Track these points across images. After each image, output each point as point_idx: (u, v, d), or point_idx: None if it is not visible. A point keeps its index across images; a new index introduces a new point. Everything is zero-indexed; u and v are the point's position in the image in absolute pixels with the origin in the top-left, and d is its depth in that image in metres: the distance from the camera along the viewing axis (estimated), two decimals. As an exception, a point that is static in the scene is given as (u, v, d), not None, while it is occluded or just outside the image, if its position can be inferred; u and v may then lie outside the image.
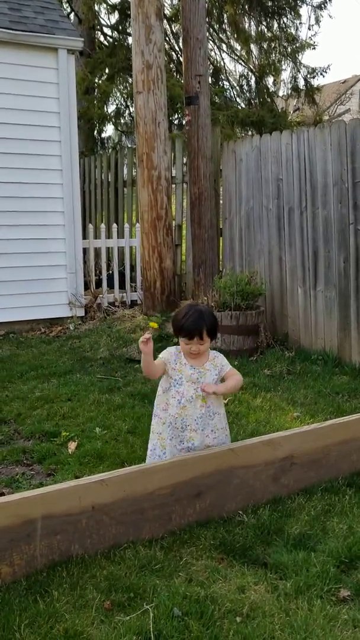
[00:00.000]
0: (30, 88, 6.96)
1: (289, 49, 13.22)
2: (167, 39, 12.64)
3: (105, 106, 13.23)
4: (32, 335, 6.84)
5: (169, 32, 13.05)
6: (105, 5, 13.40)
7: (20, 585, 2.33)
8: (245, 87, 13.84)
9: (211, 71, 12.88)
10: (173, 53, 13.25)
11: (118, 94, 13.66)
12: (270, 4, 12.90)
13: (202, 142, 6.78)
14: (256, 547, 2.59)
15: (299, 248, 5.95)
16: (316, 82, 13.33)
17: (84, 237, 7.74)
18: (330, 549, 2.55)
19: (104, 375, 5.25)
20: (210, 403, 2.94)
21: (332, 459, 3.21)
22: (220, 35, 13.60)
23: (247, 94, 13.79)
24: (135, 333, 6.38)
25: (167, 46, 12.43)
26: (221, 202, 7.14)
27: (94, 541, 2.53)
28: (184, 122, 9.20)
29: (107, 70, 13.01)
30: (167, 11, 12.80)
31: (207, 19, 7.39)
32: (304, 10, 35.59)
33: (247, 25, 13.35)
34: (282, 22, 13.21)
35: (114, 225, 8.02)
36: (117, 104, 13.95)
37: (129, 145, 12.48)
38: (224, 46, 13.80)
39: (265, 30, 13.30)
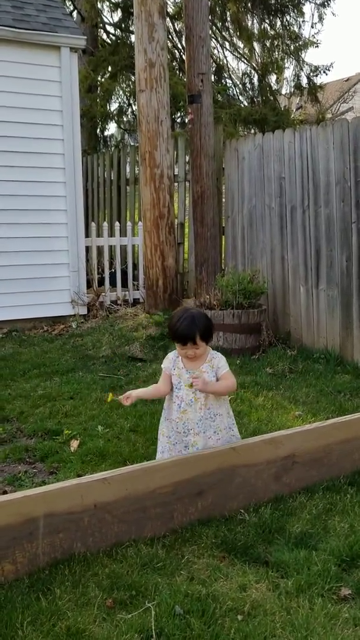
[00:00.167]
0: (33, 86, 6.97)
1: (292, 47, 13.19)
2: (169, 37, 12.62)
3: (107, 104, 13.24)
4: (34, 333, 6.86)
5: (171, 30, 13.04)
6: (107, 3, 13.41)
7: (23, 583, 2.34)
8: (248, 85, 13.82)
9: (214, 69, 12.87)
10: (176, 51, 13.24)
11: (121, 92, 13.66)
12: (273, 1, 12.88)
13: (204, 140, 6.77)
14: (258, 546, 2.60)
15: (302, 247, 5.95)
16: (319, 80, 13.33)
17: (87, 235, 7.75)
18: (331, 547, 2.55)
19: (106, 373, 5.26)
20: (210, 405, 2.94)
21: (333, 458, 3.21)
22: (223, 33, 13.59)
23: (250, 92, 13.78)
24: (137, 331, 6.39)
25: (169, 44, 12.42)
26: (223, 200, 7.14)
27: (96, 539, 2.54)
28: (186, 121, 9.20)
29: (109, 69, 13.00)
30: (170, 9, 12.79)
31: (209, 17, 7.38)
32: (307, 8, 35.48)
33: (249, 23, 13.33)
34: (285, 19, 13.19)
35: (117, 223, 8.02)
36: (119, 102, 13.96)
37: (132, 144, 12.49)
38: (226, 44, 13.78)
39: (268, 28, 13.28)
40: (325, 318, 5.75)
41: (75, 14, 12.60)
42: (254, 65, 13.55)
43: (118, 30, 13.72)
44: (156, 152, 6.80)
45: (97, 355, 5.84)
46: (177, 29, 13.32)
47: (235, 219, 6.83)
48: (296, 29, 13.16)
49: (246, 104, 13.46)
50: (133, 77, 12.42)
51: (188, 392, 2.91)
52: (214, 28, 13.04)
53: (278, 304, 6.29)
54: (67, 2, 12.63)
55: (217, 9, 12.88)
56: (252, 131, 12.18)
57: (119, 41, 13.32)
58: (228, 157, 6.93)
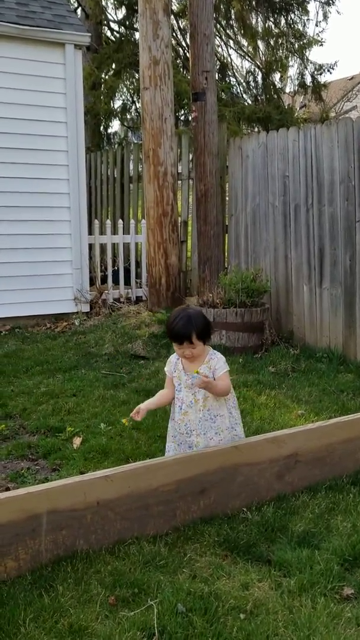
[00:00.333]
0: (37, 83, 6.96)
1: (296, 45, 13.16)
2: (174, 34, 12.60)
3: (111, 102, 13.22)
4: (37, 330, 6.86)
5: (176, 27, 13.02)
6: (112, 1, 13.39)
7: (26, 580, 2.35)
8: (252, 83, 13.80)
9: (218, 67, 12.85)
10: (180, 49, 13.22)
11: (124, 90, 13.64)
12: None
13: (208, 138, 6.76)
14: (260, 544, 2.60)
15: (305, 245, 5.94)
16: (323, 78, 13.29)
17: (90, 233, 7.75)
18: (334, 547, 2.55)
19: (109, 371, 5.27)
20: (210, 406, 2.93)
21: (336, 457, 3.21)
22: (227, 31, 13.56)
23: (254, 90, 13.75)
24: (140, 329, 6.39)
25: (174, 42, 12.39)
26: (227, 198, 7.13)
27: (98, 537, 2.54)
28: (190, 118, 9.19)
29: (113, 66, 12.99)
30: (175, 7, 12.77)
31: (214, 15, 7.36)
32: (311, 7, 35.41)
33: (254, 21, 13.30)
34: (289, 18, 13.16)
35: (120, 221, 8.02)
36: (123, 100, 13.94)
37: (135, 141, 12.48)
38: (230, 42, 13.76)
39: (273, 26, 13.25)
40: (329, 317, 5.74)
41: (79, 11, 12.58)
42: (258, 63, 13.52)
43: (122, 27, 13.71)
44: (160, 150, 6.79)
45: (99, 353, 5.85)
46: (182, 26, 13.31)
47: (238, 217, 6.82)
48: (300, 27, 13.14)
49: (250, 102, 13.44)
50: (137, 75, 12.41)
51: (188, 394, 2.92)
52: (218, 26, 13.02)
53: (281, 303, 6.28)
54: (71, -1, 12.61)
55: (222, 7, 12.86)
56: (256, 129, 12.16)
57: (123, 38, 13.30)
58: (232, 155, 6.92)
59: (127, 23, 13.44)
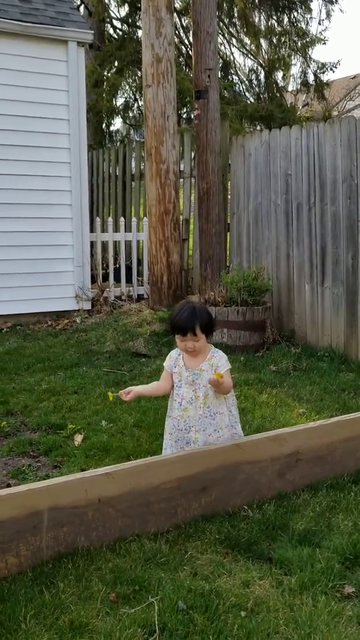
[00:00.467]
0: (40, 80, 6.96)
1: (299, 44, 13.13)
2: (176, 32, 12.58)
3: (114, 99, 13.19)
4: (39, 327, 6.86)
5: (178, 25, 13.00)
6: (115, -2, 13.36)
7: (26, 576, 2.35)
8: (255, 81, 13.77)
9: (220, 65, 12.82)
10: (182, 47, 13.20)
11: (127, 87, 13.63)
12: (280, -2, 12.83)
13: (211, 136, 6.75)
14: (261, 542, 2.60)
15: (307, 244, 5.93)
16: (326, 77, 13.26)
17: (92, 230, 7.74)
18: (335, 545, 2.55)
19: (110, 368, 5.27)
20: (210, 403, 2.93)
21: (337, 456, 3.21)
22: (230, 29, 13.54)
23: (256, 89, 13.73)
24: (141, 327, 6.39)
25: (176, 40, 12.37)
26: (229, 197, 7.13)
27: (99, 533, 2.54)
28: (192, 116, 9.17)
29: (116, 63, 12.97)
30: (177, 4, 12.74)
31: (217, 13, 7.35)
32: (314, 5, 35.27)
33: (257, 19, 13.28)
34: (292, 16, 13.13)
35: (122, 219, 8.01)
36: (125, 97, 13.92)
37: (137, 139, 12.46)
38: (233, 40, 13.74)
39: (276, 24, 13.22)
40: (330, 316, 5.74)
41: (82, 8, 12.57)
42: (261, 61, 13.50)
43: (125, 25, 13.69)
44: (162, 148, 6.79)
45: (101, 351, 5.85)
46: (184, 24, 13.29)
47: (240, 215, 6.82)
48: (303, 26, 13.10)
49: (252, 100, 13.42)
50: (139, 72, 12.38)
51: (188, 390, 2.92)
52: (221, 24, 12.99)
53: (283, 302, 6.28)
54: (74, -4, 12.59)
55: (225, 5, 12.83)
56: (258, 128, 12.14)
57: (125, 36, 13.28)
58: (234, 154, 6.91)
59: (130, 20, 13.42)
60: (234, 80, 13.69)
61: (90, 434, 3.80)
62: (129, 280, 7.90)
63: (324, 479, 3.13)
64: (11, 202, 6.92)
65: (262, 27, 13.21)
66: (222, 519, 2.77)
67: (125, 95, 13.89)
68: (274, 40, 13.25)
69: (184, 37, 13.27)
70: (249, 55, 13.73)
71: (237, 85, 13.70)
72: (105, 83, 12.89)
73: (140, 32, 11.79)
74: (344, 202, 5.51)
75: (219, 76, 10.59)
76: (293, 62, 13.50)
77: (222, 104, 8.49)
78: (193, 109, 7.25)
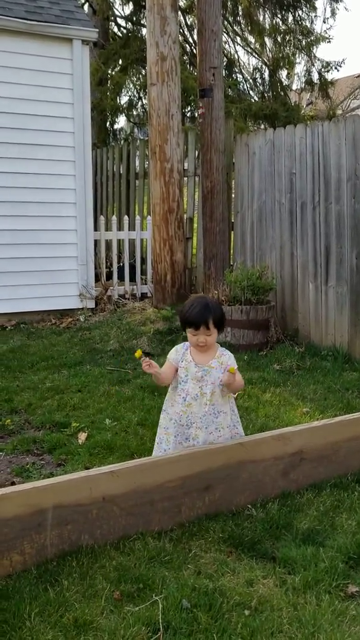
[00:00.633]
0: (45, 78, 6.96)
1: (304, 42, 13.11)
2: (180, 31, 12.55)
3: (118, 98, 13.20)
4: (42, 326, 6.87)
5: (182, 23, 12.98)
6: (119, -4, 13.35)
7: (31, 574, 2.35)
8: (259, 80, 13.75)
9: (225, 64, 12.80)
10: (187, 45, 13.18)
11: (131, 86, 13.62)
12: (285, -4, 12.81)
13: (215, 134, 6.75)
14: (265, 541, 2.60)
15: (311, 243, 5.93)
16: (330, 76, 13.23)
17: (95, 229, 7.75)
18: (338, 544, 2.55)
19: (114, 367, 5.27)
20: (215, 401, 2.93)
21: (341, 455, 3.21)
22: (235, 27, 13.52)
23: (261, 87, 13.71)
24: (145, 326, 6.39)
25: (180, 38, 12.35)
26: (233, 195, 7.12)
27: (103, 532, 2.55)
28: (196, 115, 9.16)
29: (120, 62, 12.96)
30: (182, 2, 12.73)
31: (221, 11, 7.34)
32: (319, 3, 35.10)
33: (261, 18, 13.25)
34: (297, 14, 13.10)
35: (125, 217, 8.02)
36: (129, 96, 13.93)
37: (141, 137, 12.46)
38: (238, 39, 13.71)
39: (280, 22, 13.20)
40: (334, 315, 5.73)
41: (86, 6, 12.56)
42: (265, 60, 13.47)
43: (129, 23, 13.68)
44: (166, 146, 6.78)
45: (104, 349, 5.85)
46: (189, 22, 13.27)
47: (244, 214, 6.81)
48: (308, 24, 13.08)
49: (257, 99, 13.40)
50: (143, 71, 12.38)
51: (194, 386, 2.90)
52: (226, 22, 12.97)
53: (286, 301, 6.27)
54: (78, -6, 12.57)
55: (229, 3, 12.81)
56: (262, 126, 12.13)
57: (130, 34, 13.27)
58: (238, 152, 6.91)
59: (134, 19, 13.41)
60: (238, 79, 13.67)
61: (94, 432, 3.80)
62: (132, 278, 7.90)
63: (328, 478, 3.13)
64: (16, 200, 6.93)
65: (267, 26, 13.19)
66: (225, 517, 2.77)
67: (130, 93, 13.90)
68: (279, 39, 13.23)
69: (188, 36, 13.26)
70: (254, 54, 13.71)
71: (242, 84, 13.68)
72: (109, 81, 12.89)
73: (144, 31, 11.77)
74: (349, 201, 5.50)
75: (223, 75, 10.58)
76: (297, 60, 13.48)
77: (226, 103, 8.47)
78: (197, 108, 7.24)
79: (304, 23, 13.06)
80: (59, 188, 7.13)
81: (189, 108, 12.33)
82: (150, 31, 6.74)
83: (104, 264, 7.80)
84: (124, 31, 13.75)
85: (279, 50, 13.24)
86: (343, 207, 5.56)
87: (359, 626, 2.12)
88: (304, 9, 13.03)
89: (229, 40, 13.53)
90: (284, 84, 13.66)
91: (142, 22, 13.02)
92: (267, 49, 13.44)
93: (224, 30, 12.79)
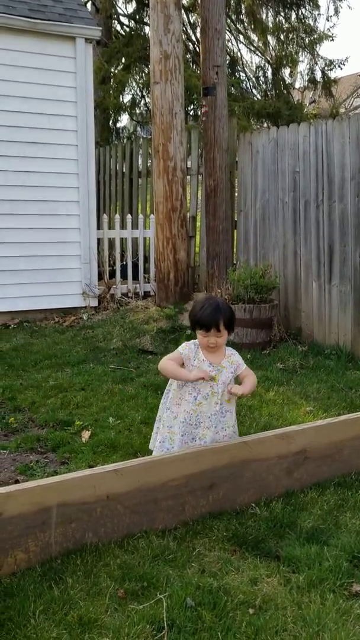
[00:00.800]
0: (48, 77, 6.96)
1: (307, 41, 13.09)
2: (183, 29, 12.54)
3: (121, 96, 13.19)
4: (45, 324, 6.88)
5: (185, 22, 12.97)
6: (122, -5, 13.35)
7: (35, 572, 2.36)
8: (262, 78, 13.74)
9: (228, 62, 12.77)
10: (189, 43, 13.17)
11: (134, 84, 13.61)
12: (288, -6, 12.79)
13: (218, 133, 6.74)
14: (269, 540, 2.60)
15: (315, 242, 5.92)
16: (333, 74, 13.21)
17: (98, 227, 7.75)
18: (343, 543, 2.55)
19: (117, 365, 5.27)
20: (224, 401, 2.95)
21: (345, 455, 3.21)
22: (238, 25, 13.50)
23: (264, 86, 13.69)
24: (148, 324, 6.39)
25: (183, 36, 12.34)
26: (236, 194, 7.12)
27: (107, 530, 2.55)
28: (200, 113, 9.15)
29: (123, 60, 12.96)
30: (185, 1, 12.71)
31: (225, 9, 7.32)
32: (322, 1, 35.06)
33: (264, 16, 13.23)
34: (300, 12, 13.08)
35: (128, 216, 8.01)
36: (132, 94, 13.92)
37: (144, 136, 12.45)
38: (241, 37, 13.70)
39: (283, 21, 13.18)
40: (337, 314, 5.73)
41: (89, 4, 12.55)
42: (268, 58, 13.46)
43: (132, 21, 13.67)
44: (170, 145, 6.78)
45: (107, 347, 5.86)
46: (192, 21, 13.26)
47: (247, 212, 6.81)
48: (311, 22, 13.06)
49: (259, 97, 13.39)
50: (146, 69, 12.37)
51: (206, 385, 2.90)
52: (229, 21, 12.95)
53: (290, 299, 6.27)
54: (81, -8, 12.56)
55: (232, 2, 12.80)
56: (265, 125, 12.12)
57: (132, 33, 13.27)
58: (242, 151, 6.90)
59: (137, 17, 13.40)
60: (241, 77, 13.66)
61: (98, 430, 3.81)
62: (135, 277, 7.90)
63: (332, 477, 3.13)
64: (18, 199, 6.93)
65: (270, 24, 13.17)
66: (229, 516, 2.77)
67: (132, 92, 13.89)
68: (282, 37, 13.21)
69: (191, 34, 13.25)
70: (257, 52, 13.69)
71: (245, 82, 13.67)
72: (112, 80, 12.89)
73: (147, 29, 11.79)
74: (352, 199, 5.49)
75: (227, 73, 10.58)
76: (300, 59, 13.48)
77: (229, 101, 8.46)
78: (201, 106, 7.23)
79: (307, 21, 13.04)
80: (62, 186, 7.13)
81: (192, 106, 12.32)
82: (154, 29, 6.73)
83: (107, 262, 7.80)
84: (127, 29, 13.75)
85: (282, 49, 13.22)
86: (347, 206, 5.55)
87: (363, 625, 2.11)
88: (307, 7, 13.01)
89: (232, 38, 13.52)
90: (287, 83, 13.64)
91: (145, 20, 13.02)
92: (270, 47, 13.43)
93: (227, 28, 12.75)
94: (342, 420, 3.28)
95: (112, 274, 7.86)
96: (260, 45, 13.51)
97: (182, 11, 10.38)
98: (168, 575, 2.34)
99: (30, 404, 4.33)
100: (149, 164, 8.69)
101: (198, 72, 10.07)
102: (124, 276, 7.83)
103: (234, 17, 13.24)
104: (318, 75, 13.17)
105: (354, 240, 5.51)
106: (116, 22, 13.82)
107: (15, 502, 2.34)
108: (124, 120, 15.56)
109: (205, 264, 7.18)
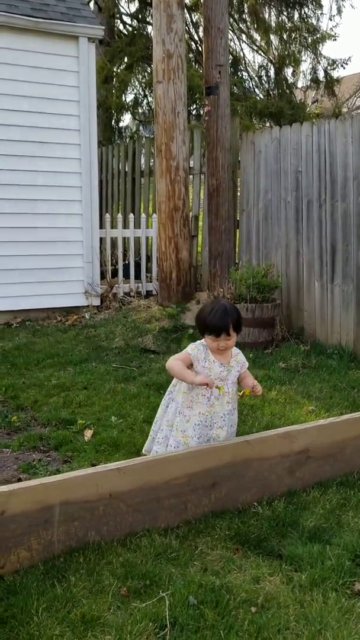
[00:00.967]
0: (51, 76, 6.97)
1: (310, 40, 13.07)
2: (186, 28, 12.52)
3: (123, 95, 13.20)
4: (48, 323, 6.89)
5: (188, 21, 12.96)
6: (125, -7, 13.35)
7: (38, 570, 2.36)
8: (264, 77, 13.73)
9: (230, 61, 12.77)
10: (192, 42, 13.16)
11: (136, 83, 13.61)
12: (291, -7, 12.78)
13: (221, 132, 6.74)
14: (271, 539, 2.60)
15: (317, 241, 5.92)
16: (336, 73, 13.20)
17: (101, 226, 7.75)
18: (345, 542, 2.55)
19: (120, 364, 5.28)
20: (232, 399, 2.98)
21: (347, 454, 3.21)
22: (240, 25, 13.49)
23: (266, 85, 13.68)
24: (150, 323, 6.40)
25: (186, 36, 12.33)
26: (239, 193, 7.11)
27: (110, 528, 2.56)
28: (202, 113, 9.16)
29: (126, 59, 12.96)
30: (187, 0, 12.71)
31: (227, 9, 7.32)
32: (325, 1, 35.00)
33: (267, 15, 13.22)
34: (303, 12, 13.07)
35: (131, 215, 8.02)
36: (135, 94, 13.92)
37: (146, 135, 12.45)
38: (243, 36, 13.69)
39: (286, 20, 13.16)
40: (340, 313, 5.72)
41: (92, 3, 12.55)
42: (271, 58, 13.44)
43: (135, 20, 13.67)
44: (172, 144, 6.78)
45: (110, 347, 5.86)
46: (194, 20, 13.25)
47: (250, 212, 6.80)
48: (314, 22, 13.05)
49: (262, 96, 13.38)
50: (149, 69, 12.37)
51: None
52: (231, 20, 12.94)
53: (292, 299, 6.27)
54: (84, -8, 12.56)
55: (235, 1, 12.79)
56: (268, 124, 12.11)
57: (135, 32, 13.27)
58: (244, 150, 6.90)
59: (140, 16, 13.40)
60: (244, 77, 13.65)
61: (100, 429, 3.81)
62: (137, 276, 7.90)
63: (334, 476, 3.13)
64: (21, 198, 6.94)
65: (273, 23, 13.16)
66: (232, 515, 2.78)
67: (135, 91, 13.89)
68: (284, 37, 13.20)
69: (194, 33, 13.24)
70: (259, 52, 13.69)
71: (247, 82, 13.66)
72: (114, 79, 12.89)
73: (150, 28, 11.79)
74: (355, 199, 5.49)
75: (229, 72, 10.57)
76: (303, 58, 13.45)
77: (231, 101, 8.46)
78: (203, 105, 7.23)
79: (310, 20, 13.03)
80: (64, 186, 7.14)
81: (194, 106, 12.32)
82: (157, 29, 6.73)
83: (109, 261, 7.81)
84: (130, 29, 13.75)
85: (285, 48, 13.21)
86: (349, 205, 5.55)
87: (365, 624, 2.12)
88: (310, 6, 13.00)
89: (235, 37, 13.51)
90: (290, 82, 13.63)
91: (147, 19, 13.01)
92: (273, 46, 13.42)
93: (230, 27, 12.75)
94: (345, 419, 3.28)
95: (115, 273, 7.86)
96: (263, 44, 13.50)
97: (185, 10, 10.38)
98: (170, 573, 2.34)
99: (32, 403, 4.34)
100: (151, 164, 8.69)
101: (201, 71, 10.08)
102: (126, 275, 7.83)
103: (236, 16, 13.23)
104: (321, 74, 13.16)
105: (356, 240, 5.50)
106: (119, 21, 13.82)
107: (18, 501, 2.35)
108: (127, 119, 15.58)
109: (208, 263, 7.18)
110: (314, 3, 12.85)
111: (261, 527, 2.68)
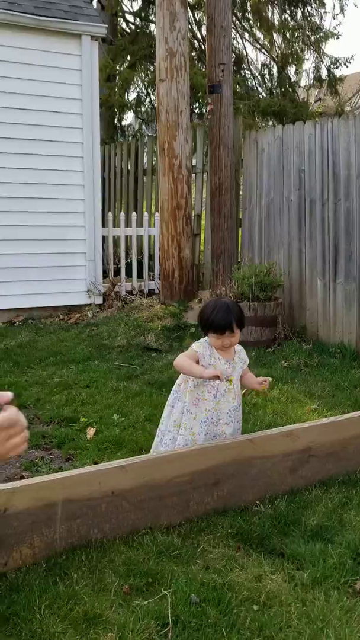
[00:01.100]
0: (54, 74, 6.97)
1: (313, 39, 13.06)
2: (189, 26, 12.52)
3: (126, 94, 13.20)
4: (50, 321, 6.89)
5: (191, 19, 12.95)
6: (128, -8, 13.34)
7: (40, 567, 2.37)
8: (267, 76, 13.72)
9: (233, 60, 12.76)
10: (195, 41, 13.15)
11: (139, 82, 13.61)
12: (294, -8, 12.76)
13: (224, 131, 6.73)
14: (273, 537, 2.60)
15: (320, 240, 5.91)
16: (339, 72, 13.19)
17: (103, 225, 7.75)
18: (347, 541, 2.55)
19: (122, 363, 5.28)
20: (237, 396, 2.98)
21: (350, 452, 3.21)
22: (243, 23, 13.48)
23: (269, 84, 13.67)
24: (152, 322, 6.40)
25: (189, 34, 12.32)
26: (241, 192, 7.11)
27: (112, 526, 2.56)
28: (205, 111, 9.15)
29: (128, 58, 12.96)
30: (190, -2, 12.71)
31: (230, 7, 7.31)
32: (328, -1, 34.88)
33: (270, 14, 13.21)
34: (306, 10, 13.06)
35: (133, 213, 8.02)
36: (138, 92, 13.92)
37: (149, 134, 12.45)
38: (246, 35, 13.67)
39: (289, 18, 13.15)
40: (342, 312, 5.72)
41: (95, 2, 12.54)
42: (274, 56, 13.43)
43: (138, 19, 13.67)
44: (175, 143, 6.78)
45: (112, 345, 5.86)
46: (197, 19, 13.24)
47: (252, 211, 6.80)
48: (317, 20, 13.05)
49: (265, 95, 13.37)
50: (152, 67, 12.37)
51: (222, 382, 2.92)
52: (234, 18, 12.93)
53: (294, 298, 6.26)
54: (87, -10, 12.55)
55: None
56: (270, 123, 12.10)
57: (138, 30, 13.27)
58: (247, 149, 6.89)
59: (143, 15, 13.39)
60: (247, 75, 13.64)
61: (103, 427, 3.82)
62: (140, 275, 7.90)
63: (336, 475, 3.13)
64: (23, 196, 6.94)
65: (276, 22, 13.15)
66: (234, 513, 2.78)
67: (138, 89, 13.90)
68: (287, 35, 13.19)
69: (197, 32, 13.23)
70: (262, 50, 13.68)
71: (250, 80, 13.65)
72: (117, 77, 12.89)
73: (153, 27, 11.78)
74: (358, 198, 5.48)
75: (232, 71, 10.55)
76: (306, 57, 13.47)
77: (234, 99, 8.45)
78: (206, 104, 7.23)
79: (313, 19, 13.02)
80: (67, 184, 7.14)
81: (197, 104, 12.31)
82: (160, 27, 6.73)
83: (111, 260, 7.81)
84: (133, 27, 13.75)
85: (288, 47, 13.20)
86: (352, 204, 5.55)
87: (367, 622, 2.12)
88: (313, 5, 12.99)
89: (238, 36, 13.50)
90: (293, 81, 13.62)
91: (150, 18, 13.01)
92: (276, 45, 13.41)
93: (233, 26, 12.74)
94: (347, 418, 3.28)
95: (117, 272, 7.87)
96: (266, 43, 13.49)
97: (188, 9, 10.38)
98: (173, 571, 2.34)
99: (35, 401, 4.34)
100: (154, 162, 8.69)
101: (203, 70, 10.08)
102: (128, 274, 7.83)
103: (239, 15, 13.22)
104: (324, 73, 13.16)
105: (359, 239, 5.49)
106: (122, 19, 13.82)
107: (20, 498, 2.35)
108: (129, 118, 15.57)
109: (210, 262, 7.18)
110: (317, 1, 12.86)
111: (263, 525, 2.68)
